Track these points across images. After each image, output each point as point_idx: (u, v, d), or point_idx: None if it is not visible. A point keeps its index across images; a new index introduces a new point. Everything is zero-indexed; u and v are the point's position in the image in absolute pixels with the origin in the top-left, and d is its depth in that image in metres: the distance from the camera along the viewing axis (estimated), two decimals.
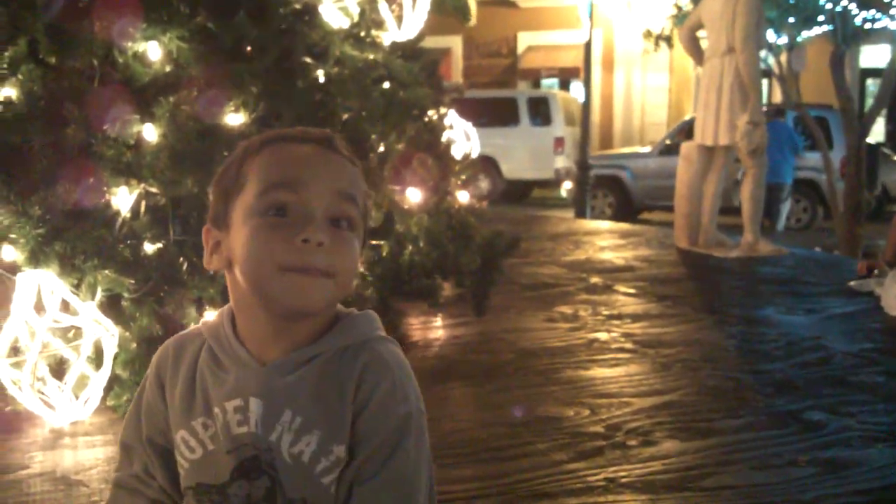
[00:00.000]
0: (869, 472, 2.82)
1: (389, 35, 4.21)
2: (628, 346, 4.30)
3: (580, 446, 3.00)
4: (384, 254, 4.23)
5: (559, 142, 17.29)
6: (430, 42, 5.03)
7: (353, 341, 1.21)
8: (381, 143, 4.20)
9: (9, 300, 2.90)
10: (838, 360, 4.12)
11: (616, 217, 13.83)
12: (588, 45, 13.07)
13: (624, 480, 2.72)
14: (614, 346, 4.30)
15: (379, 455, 1.15)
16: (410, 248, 4.32)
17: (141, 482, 1.29)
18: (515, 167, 17.36)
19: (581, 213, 12.89)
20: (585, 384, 3.71)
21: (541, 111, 17.48)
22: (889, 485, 2.74)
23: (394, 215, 4.22)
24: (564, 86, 21.18)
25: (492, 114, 16.34)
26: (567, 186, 15.97)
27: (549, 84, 21.43)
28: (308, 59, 3.94)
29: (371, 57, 4.13)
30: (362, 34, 4.07)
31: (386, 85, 4.50)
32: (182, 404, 1.24)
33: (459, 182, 4.83)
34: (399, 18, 4.16)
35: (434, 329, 4.55)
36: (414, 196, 4.25)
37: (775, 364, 4.05)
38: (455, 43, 21.58)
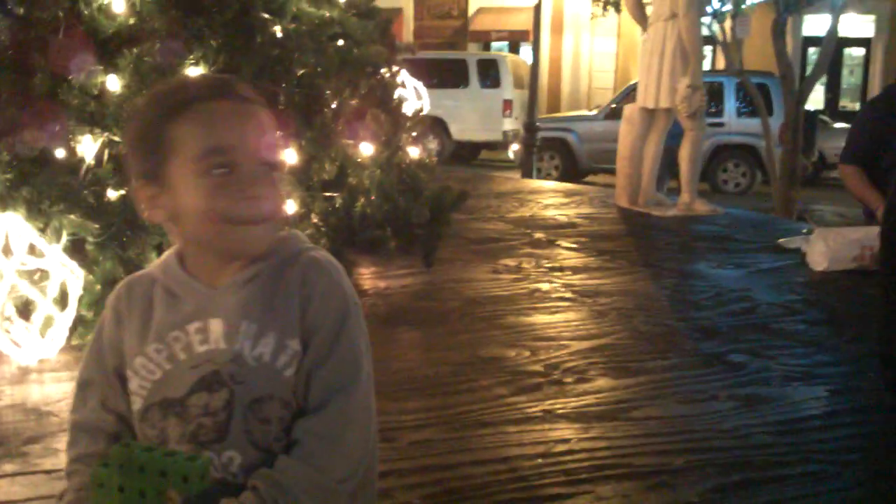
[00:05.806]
0: (784, 407, 3.09)
1: None
2: (568, 295, 4.54)
3: (520, 382, 3.23)
4: (337, 205, 4.39)
5: (507, 104, 17.49)
6: (382, 2, 5.16)
7: (289, 255, 1.43)
8: (336, 99, 4.35)
9: None
10: (762, 310, 4.40)
11: (562, 179, 14.03)
12: (538, 8, 13.21)
13: (560, 412, 2.96)
14: (555, 295, 4.54)
15: (327, 340, 1.37)
16: (363, 200, 4.48)
17: (99, 418, 1.45)
18: (464, 128, 17.54)
19: (528, 175, 13.09)
20: (526, 329, 3.94)
21: (490, 73, 17.66)
22: (802, 417, 3.01)
23: (347, 168, 4.39)
24: (514, 49, 21.30)
25: (442, 75, 16.38)
26: (514, 148, 16.17)
27: (499, 47, 21.53)
28: (266, 15, 4.07)
29: (327, 14, 4.26)
30: None
31: (340, 42, 4.65)
32: (138, 335, 1.43)
33: (410, 137, 5.00)
34: None
35: (384, 279, 4.75)
36: (367, 150, 4.42)
37: (703, 312, 4.32)
38: (406, 3, 21.57)
